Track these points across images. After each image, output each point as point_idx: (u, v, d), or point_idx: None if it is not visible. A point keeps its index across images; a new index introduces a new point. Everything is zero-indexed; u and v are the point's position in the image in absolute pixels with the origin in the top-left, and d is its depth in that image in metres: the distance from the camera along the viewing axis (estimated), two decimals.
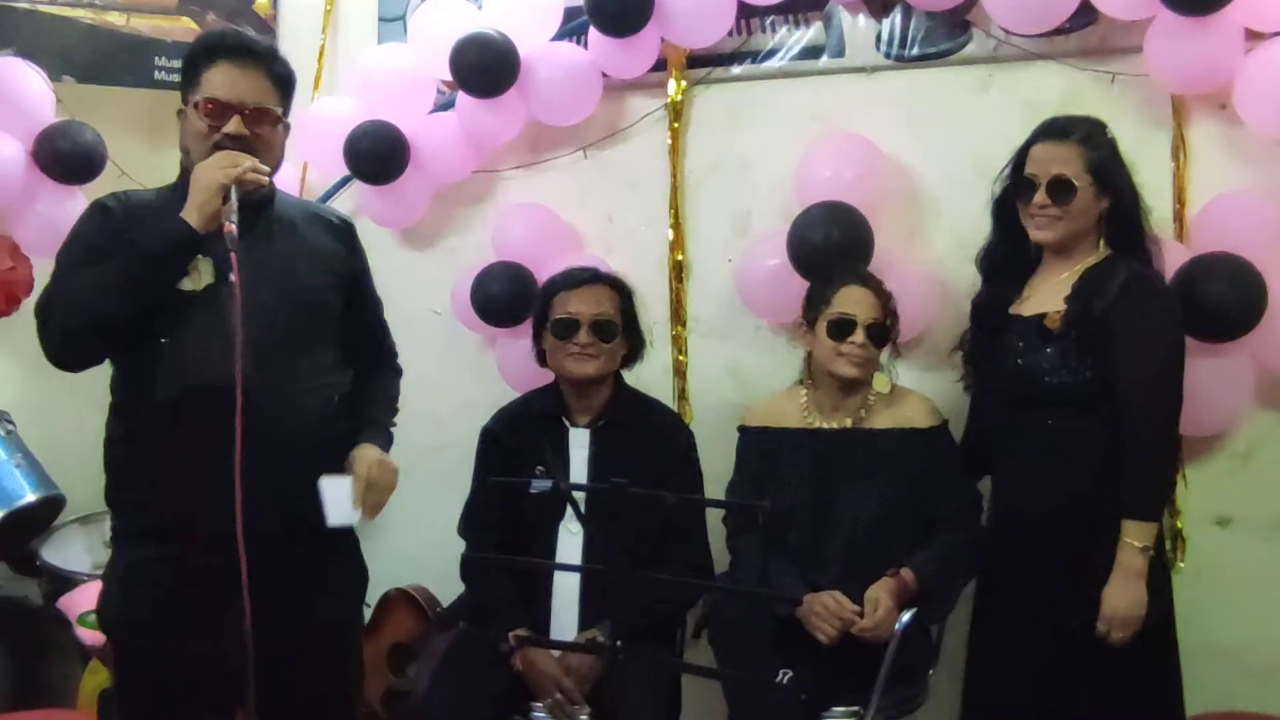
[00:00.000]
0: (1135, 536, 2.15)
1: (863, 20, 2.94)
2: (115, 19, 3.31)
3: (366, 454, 2.07)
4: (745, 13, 2.95)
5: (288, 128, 2.11)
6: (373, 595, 2.57)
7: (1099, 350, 2.20)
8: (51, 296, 1.98)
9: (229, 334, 1.87)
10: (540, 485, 2.29)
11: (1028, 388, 2.28)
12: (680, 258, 3.13)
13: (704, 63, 3.07)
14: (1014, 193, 2.34)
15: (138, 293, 1.90)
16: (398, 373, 2.35)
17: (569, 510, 2.48)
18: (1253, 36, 2.50)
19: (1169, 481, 2.35)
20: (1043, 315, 2.28)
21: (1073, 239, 2.29)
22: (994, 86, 2.84)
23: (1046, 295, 2.31)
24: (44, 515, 3.02)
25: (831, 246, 2.67)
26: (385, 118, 3.12)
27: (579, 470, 2.52)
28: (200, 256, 1.95)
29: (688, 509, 2.52)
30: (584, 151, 3.20)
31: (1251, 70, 2.49)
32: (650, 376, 2.86)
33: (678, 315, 3.14)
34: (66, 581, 2.98)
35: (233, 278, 1.88)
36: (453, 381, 3.24)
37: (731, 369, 3.11)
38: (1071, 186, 2.24)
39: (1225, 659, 2.60)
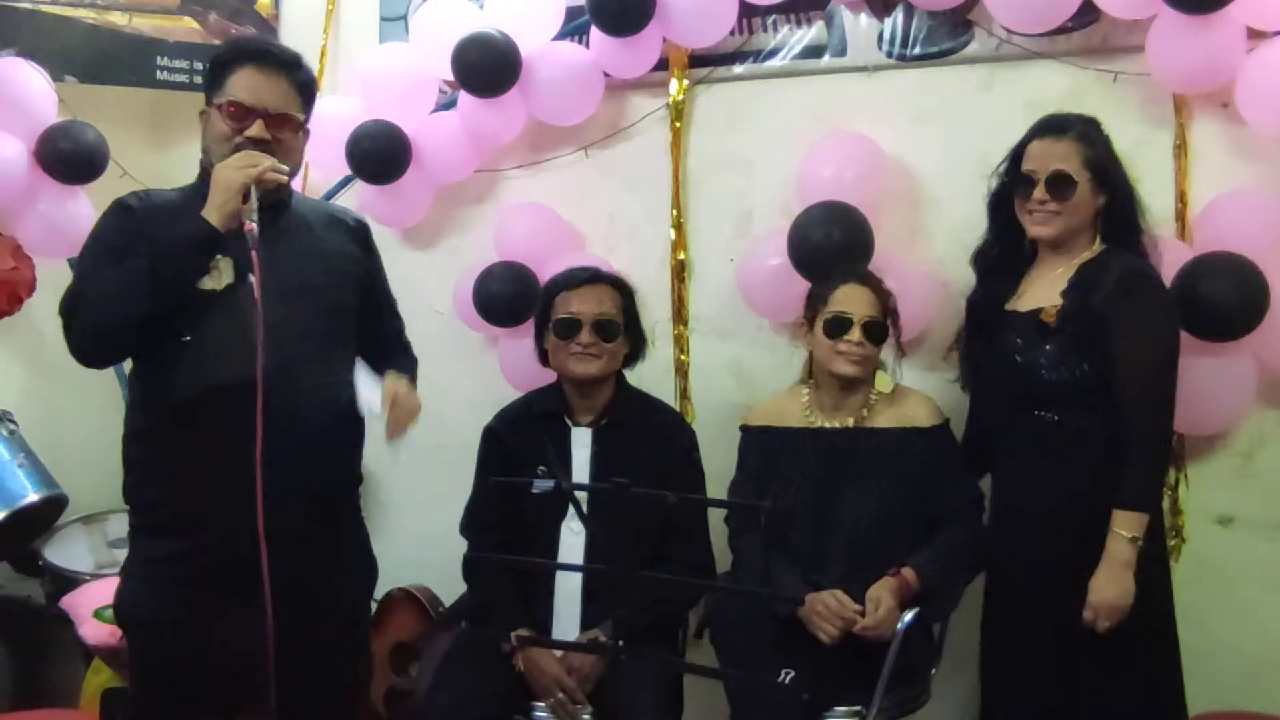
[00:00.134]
0: (1125, 526, 2.16)
1: (864, 19, 2.93)
2: (117, 19, 3.31)
3: (394, 376, 2.12)
4: (747, 12, 2.95)
5: (308, 134, 2.15)
6: (375, 594, 2.57)
7: (1096, 345, 2.21)
8: (75, 295, 2.00)
9: (249, 332, 1.90)
10: (542, 485, 2.30)
11: (1027, 384, 2.28)
12: (682, 257, 3.13)
13: (705, 62, 3.07)
14: (1011, 189, 2.35)
15: (159, 291, 1.93)
16: (415, 361, 2.36)
17: (571, 510, 2.49)
18: (1255, 35, 2.50)
19: (1162, 474, 2.35)
20: (1039, 310, 2.28)
21: (1070, 234, 2.30)
22: (996, 86, 2.83)
23: (1042, 291, 2.32)
24: (46, 515, 3.02)
25: (832, 246, 2.67)
26: (387, 117, 3.12)
27: (581, 470, 2.52)
28: (221, 256, 1.97)
29: (689, 508, 2.52)
30: (585, 151, 3.20)
31: (1253, 69, 2.49)
32: (652, 376, 2.86)
33: (679, 315, 3.14)
34: (69, 581, 2.98)
35: (252, 277, 1.92)
36: (455, 381, 3.24)
37: (733, 368, 3.11)
38: (1071, 181, 2.25)
39: (1227, 658, 2.60)
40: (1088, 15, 2.65)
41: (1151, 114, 2.68)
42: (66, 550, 3.10)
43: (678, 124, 3.11)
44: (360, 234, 2.25)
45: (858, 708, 2.30)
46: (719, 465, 2.65)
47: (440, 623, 3.06)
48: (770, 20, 3.01)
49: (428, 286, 3.27)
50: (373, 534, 2.31)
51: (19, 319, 3.09)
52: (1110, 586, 2.15)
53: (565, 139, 3.20)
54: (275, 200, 2.04)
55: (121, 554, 3.08)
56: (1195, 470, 2.70)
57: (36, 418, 3.16)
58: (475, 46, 2.93)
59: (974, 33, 2.83)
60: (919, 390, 2.59)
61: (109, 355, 2.09)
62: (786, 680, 2.22)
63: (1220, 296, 2.45)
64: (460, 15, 3.06)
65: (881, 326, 2.47)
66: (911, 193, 2.90)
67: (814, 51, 2.98)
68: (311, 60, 3.32)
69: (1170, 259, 2.46)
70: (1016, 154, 2.35)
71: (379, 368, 2.17)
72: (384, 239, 3.22)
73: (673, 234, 3.13)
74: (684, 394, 3.14)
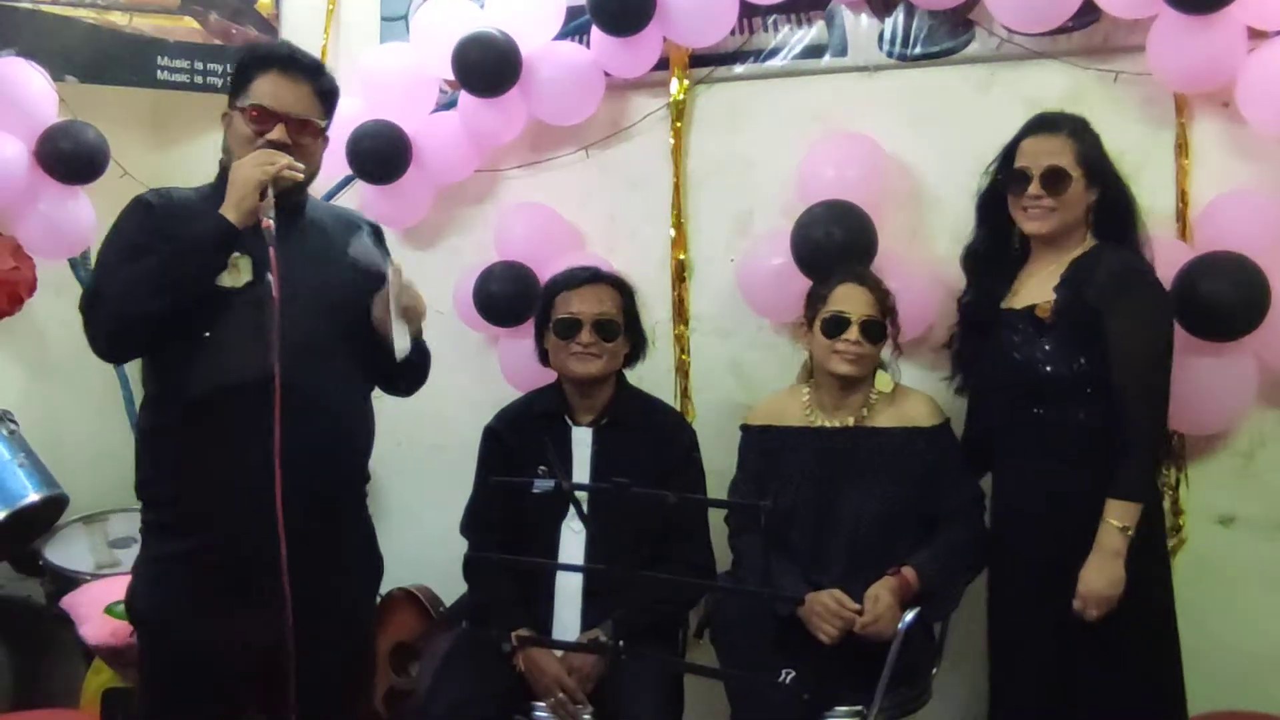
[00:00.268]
0: (1116, 516, 2.16)
1: (865, 19, 2.93)
2: (118, 19, 3.31)
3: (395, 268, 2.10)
4: (747, 12, 2.95)
5: (327, 140, 2.17)
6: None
7: (1092, 340, 2.21)
8: (96, 291, 2.02)
9: (267, 330, 1.92)
10: (543, 485, 2.29)
11: (1026, 381, 2.28)
12: (682, 257, 3.13)
13: (706, 62, 3.07)
14: (1005, 186, 2.36)
15: (178, 287, 1.95)
16: (428, 355, 2.34)
17: (571, 510, 2.48)
18: (1255, 35, 2.50)
19: (1156, 465, 2.35)
20: (1034, 306, 2.29)
21: (1064, 230, 2.31)
22: (996, 85, 2.83)
23: (1037, 287, 2.32)
24: (47, 515, 3.02)
25: (834, 245, 2.67)
26: (387, 117, 3.12)
27: (581, 469, 2.52)
28: (239, 254, 1.99)
29: (690, 508, 2.52)
30: (586, 151, 3.20)
31: (1254, 69, 2.49)
32: (653, 376, 2.86)
33: (680, 314, 3.14)
34: (69, 581, 2.98)
35: (270, 276, 1.94)
36: (455, 381, 3.23)
37: (734, 368, 3.11)
38: (1066, 176, 2.26)
39: (1227, 658, 2.60)
40: (1088, 15, 2.65)
41: (1152, 114, 2.68)
42: (66, 550, 3.10)
43: (678, 124, 3.11)
44: (373, 237, 2.26)
45: (858, 708, 2.30)
46: (719, 465, 2.65)
47: (440, 623, 3.07)
48: (771, 20, 3.01)
49: (428, 286, 3.18)
50: None
51: (19, 319, 3.09)
52: (1100, 576, 2.16)
53: (565, 139, 3.20)
54: (292, 203, 2.06)
55: (122, 554, 3.10)
56: (1196, 470, 2.69)
57: (36, 418, 3.16)
58: (475, 46, 2.93)
59: (974, 32, 2.83)
60: (919, 390, 2.59)
61: (128, 351, 2.12)
62: (787, 680, 2.22)
63: (1221, 296, 2.45)
64: (460, 15, 3.06)
65: (880, 326, 2.46)
66: (912, 192, 2.90)
67: (814, 51, 2.98)
68: None
69: (1171, 259, 2.46)
70: (1008, 153, 2.37)
71: (392, 369, 2.19)
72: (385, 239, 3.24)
73: (673, 234, 3.13)
74: (684, 394, 3.14)
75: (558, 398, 2.61)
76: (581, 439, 2.56)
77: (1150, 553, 2.24)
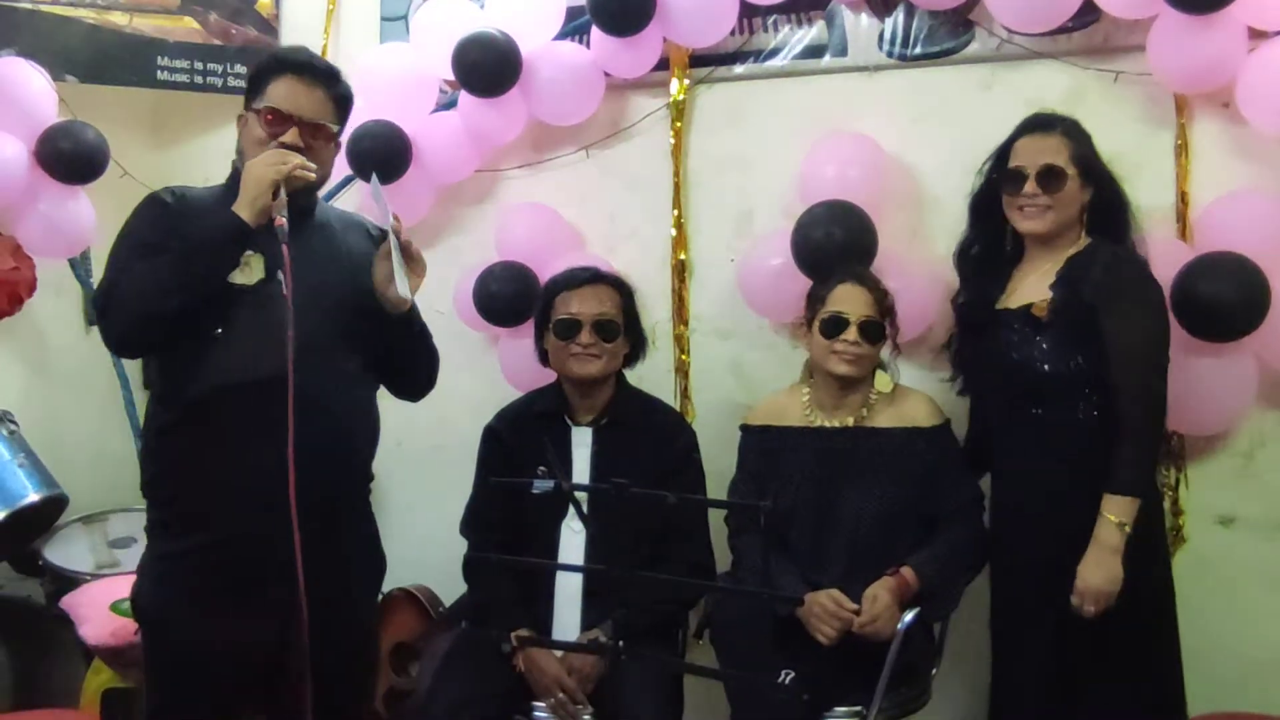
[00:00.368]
0: (1113, 511, 2.16)
1: (865, 19, 2.94)
2: (118, 19, 3.31)
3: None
4: (747, 12, 2.96)
5: (339, 146, 2.19)
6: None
7: (1089, 338, 2.21)
8: (110, 289, 2.02)
9: (279, 328, 1.92)
10: (543, 485, 2.29)
11: (1025, 380, 2.29)
12: (682, 257, 3.13)
13: (706, 62, 3.07)
14: (1000, 185, 2.36)
15: (190, 285, 1.95)
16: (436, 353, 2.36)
17: (571, 510, 2.48)
18: (1256, 35, 2.50)
19: (1153, 460, 2.35)
20: (1030, 305, 2.29)
21: (1059, 229, 2.32)
22: (996, 85, 2.83)
23: (1032, 287, 2.33)
24: (47, 515, 3.01)
25: (834, 245, 2.67)
26: (387, 117, 3.12)
27: (581, 469, 2.52)
28: (252, 252, 2.01)
29: (689, 508, 2.52)
30: (586, 151, 3.20)
31: (1254, 69, 2.49)
32: (653, 376, 2.86)
33: (680, 314, 3.14)
34: (69, 581, 2.98)
35: (281, 274, 1.94)
36: (455, 381, 3.20)
37: (734, 368, 3.11)
38: (1062, 174, 2.27)
39: (1227, 658, 2.60)
40: (1088, 15, 2.65)
41: (1152, 114, 2.69)
42: (66, 550, 3.10)
43: (678, 124, 3.11)
44: (380, 241, 2.26)
45: (858, 708, 2.30)
46: (719, 465, 2.65)
47: (440, 623, 3.06)
48: (771, 20, 3.01)
49: (428, 286, 3.18)
50: None
51: (19, 319, 3.09)
52: (1097, 571, 2.16)
53: (566, 139, 3.20)
54: (303, 205, 2.07)
55: (121, 554, 3.10)
56: (1196, 470, 2.69)
57: (36, 418, 3.16)
58: (476, 46, 2.93)
59: (975, 32, 2.83)
60: (919, 390, 2.59)
61: (141, 347, 2.15)
62: (786, 680, 2.21)
63: (1221, 296, 2.45)
64: (460, 15, 3.06)
65: (878, 326, 2.46)
66: (912, 192, 2.90)
67: (815, 51, 2.99)
68: None
69: (1171, 259, 2.47)
70: (1002, 152, 2.37)
71: (399, 367, 2.21)
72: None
73: (673, 234, 3.13)
74: (684, 394, 3.14)
75: (558, 398, 2.62)
76: (581, 439, 2.56)
77: (1150, 553, 2.24)
